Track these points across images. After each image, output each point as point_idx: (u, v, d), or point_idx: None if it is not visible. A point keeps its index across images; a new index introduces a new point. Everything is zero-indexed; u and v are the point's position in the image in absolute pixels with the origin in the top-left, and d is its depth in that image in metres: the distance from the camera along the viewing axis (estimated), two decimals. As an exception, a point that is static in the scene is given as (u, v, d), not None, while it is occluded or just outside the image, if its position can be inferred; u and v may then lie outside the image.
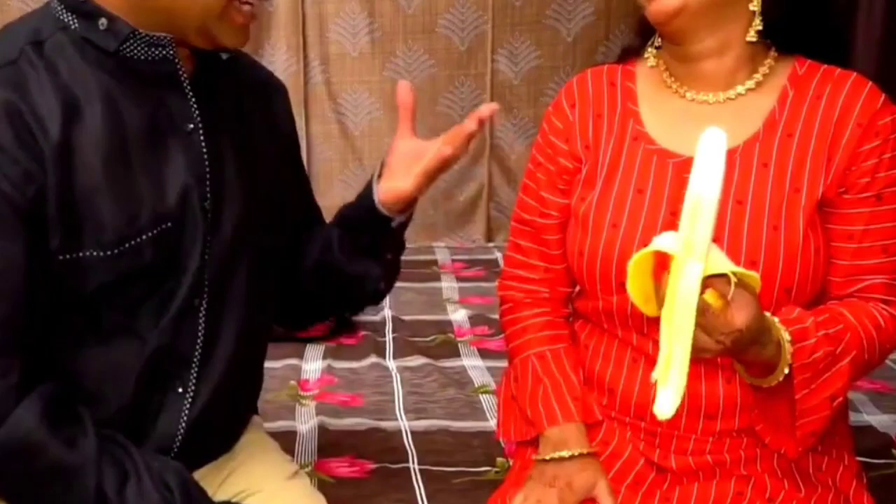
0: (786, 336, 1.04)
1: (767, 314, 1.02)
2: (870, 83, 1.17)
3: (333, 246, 1.27)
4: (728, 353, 1.00)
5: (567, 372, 1.27)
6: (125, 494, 1.03)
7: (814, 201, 1.13)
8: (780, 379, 1.05)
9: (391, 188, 1.18)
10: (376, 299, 1.39)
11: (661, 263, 0.97)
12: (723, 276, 0.94)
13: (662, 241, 0.95)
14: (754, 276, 0.98)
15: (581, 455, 1.21)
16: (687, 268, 0.91)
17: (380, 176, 1.20)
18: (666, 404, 0.93)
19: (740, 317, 0.95)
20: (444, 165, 1.15)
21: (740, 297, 0.95)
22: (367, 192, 1.20)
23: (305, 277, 1.32)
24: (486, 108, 1.14)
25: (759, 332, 0.99)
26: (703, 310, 0.92)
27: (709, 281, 0.93)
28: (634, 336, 1.19)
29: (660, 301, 0.96)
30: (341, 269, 1.27)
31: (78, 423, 1.04)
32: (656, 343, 1.13)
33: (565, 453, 1.21)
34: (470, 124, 1.12)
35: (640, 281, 0.98)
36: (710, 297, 0.94)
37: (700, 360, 1.00)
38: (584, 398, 1.25)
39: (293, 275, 1.32)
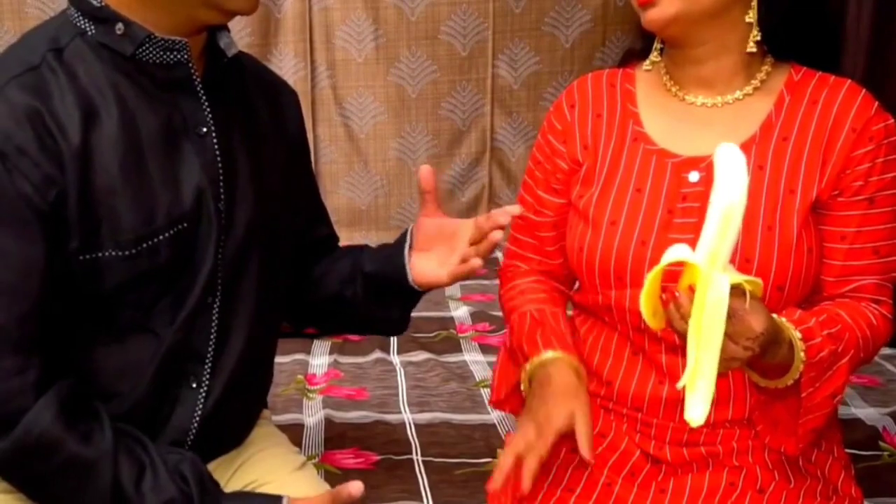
0: (796, 335, 1.05)
1: (774, 315, 1.04)
2: (863, 90, 1.18)
3: (356, 287, 1.28)
4: (754, 359, 1.01)
5: (561, 328, 1.26)
6: (142, 487, 1.03)
7: (808, 203, 1.15)
8: (797, 377, 1.06)
9: (428, 274, 1.20)
10: (389, 335, 1.40)
11: (665, 278, 0.99)
12: (736, 286, 0.95)
13: (681, 253, 0.96)
14: (758, 283, 1.00)
15: (561, 361, 1.19)
16: (715, 279, 0.92)
17: (410, 247, 1.22)
18: (697, 411, 0.94)
19: (757, 321, 0.97)
20: (473, 273, 1.18)
21: (751, 303, 0.97)
22: (397, 258, 1.22)
23: (320, 302, 1.34)
24: (504, 214, 1.14)
25: (775, 332, 1.01)
26: (730, 315, 0.93)
27: None
28: (631, 330, 1.21)
29: (671, 315, 0.98)
30: (360, 309, 1.29)
31: (94, 419, 1.05)
32: (653, 338, 1.17)
33: (549, 354, 1.19)
34: (496, 234, 1.13)
35: (650, 295, 1.00)
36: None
37: (730, 369, 1.01)
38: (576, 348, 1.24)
39: (301, 288, 1.33)
